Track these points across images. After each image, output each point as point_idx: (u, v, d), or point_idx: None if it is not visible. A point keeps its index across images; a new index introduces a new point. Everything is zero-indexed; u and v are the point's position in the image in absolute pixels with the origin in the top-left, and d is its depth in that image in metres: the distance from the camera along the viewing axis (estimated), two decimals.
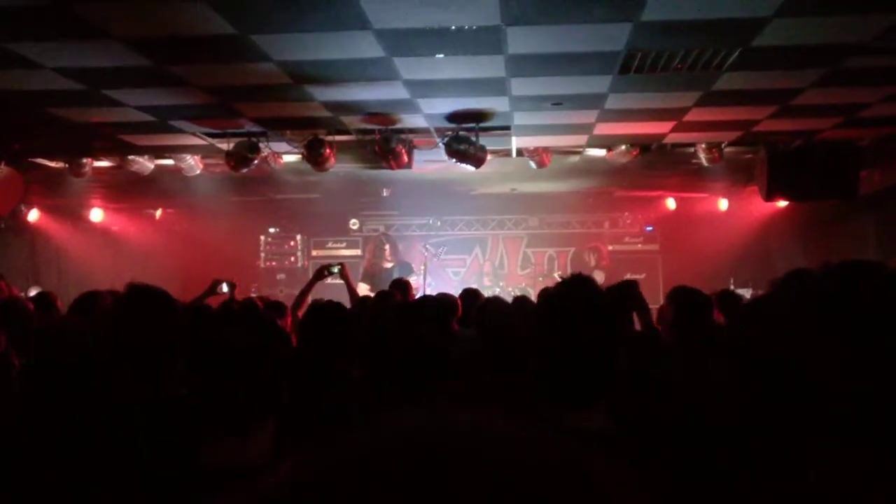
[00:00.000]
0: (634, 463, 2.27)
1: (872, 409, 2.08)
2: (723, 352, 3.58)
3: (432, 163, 9.83)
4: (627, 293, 5.37)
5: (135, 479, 2.37)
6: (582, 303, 2.56)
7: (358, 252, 15.35)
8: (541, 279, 15.29)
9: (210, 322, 2.97)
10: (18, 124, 8.30)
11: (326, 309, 4.60)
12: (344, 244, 15.95)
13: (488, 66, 6.48)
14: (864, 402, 2.10)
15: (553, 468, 0.77)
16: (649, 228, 15.75)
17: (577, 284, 2.68)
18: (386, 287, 8.62)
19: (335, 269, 7.34)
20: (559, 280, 2.84)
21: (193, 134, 8.85)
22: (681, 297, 5.07)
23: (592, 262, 15.34)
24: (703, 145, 9.63)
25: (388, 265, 12.51)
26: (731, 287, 10.36)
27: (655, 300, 11.14)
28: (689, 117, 8.28)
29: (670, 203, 14.55)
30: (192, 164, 10.03)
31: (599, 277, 14.93)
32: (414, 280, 10.51)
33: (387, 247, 12.80)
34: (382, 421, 0.82)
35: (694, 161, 10.22)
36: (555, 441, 0.81)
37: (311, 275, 7.60)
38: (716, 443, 2.52)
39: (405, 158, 8.94)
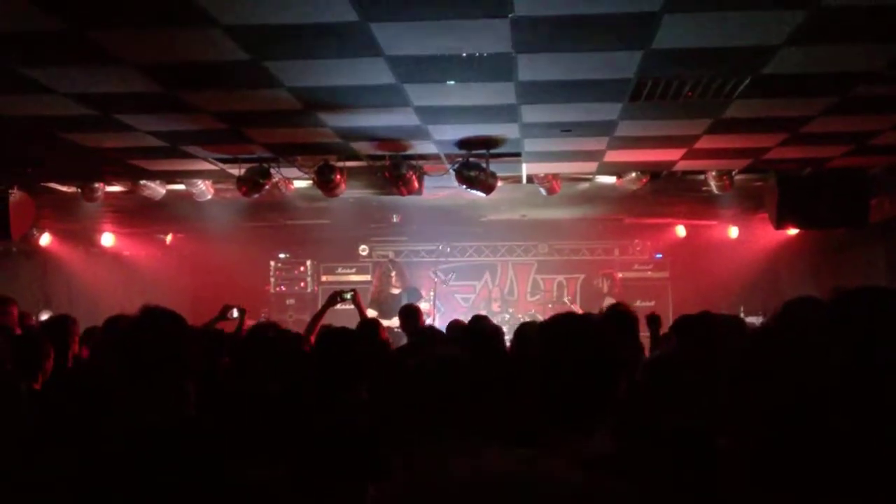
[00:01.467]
0: (638, 486, 2.27)
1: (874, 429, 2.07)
2: (728, 375, 3.57)
3: (442, 189, 9.84)
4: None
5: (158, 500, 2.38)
6: (582, 332, 2.56)
7: (368, 278, 15.36)
8: (550, 306, 15.26)
9: (246, 357, 2.96)
10: (31, 149, 8.35)
11: (336, 334, 4.62)
12: (354, 270, 15.96)
13: (499, 93, 6.50)
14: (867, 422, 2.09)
15: None
16: (659, 256, 15.73)
17: (575, 316, 2.69)
18: (394, 313, 8.62)
19: (348, 296, 7.36)
20: (568, 306, 2.85)
21: (205, 159, 8.89)
22: (682, 326, 5.13)
23: (605, 289, 15.20)
24: (714, 173, 9.63)
25: (396, 291, 12.51)
26: (741, 315, 10.34)
27: (664, 328, 11.11)
28: (699, 145, 8.28)
29: (680, 230, 14.53)
30: (203, 189, 10.07)
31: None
32: (424, 306, 10.52)
33: (393, 273, 12.81)
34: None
35: (704, 188, 10.21)
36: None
37: (320, 300, 7.61)
38: (718, 466, 2.51)
39: (415, 184, 8.96)
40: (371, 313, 10.57)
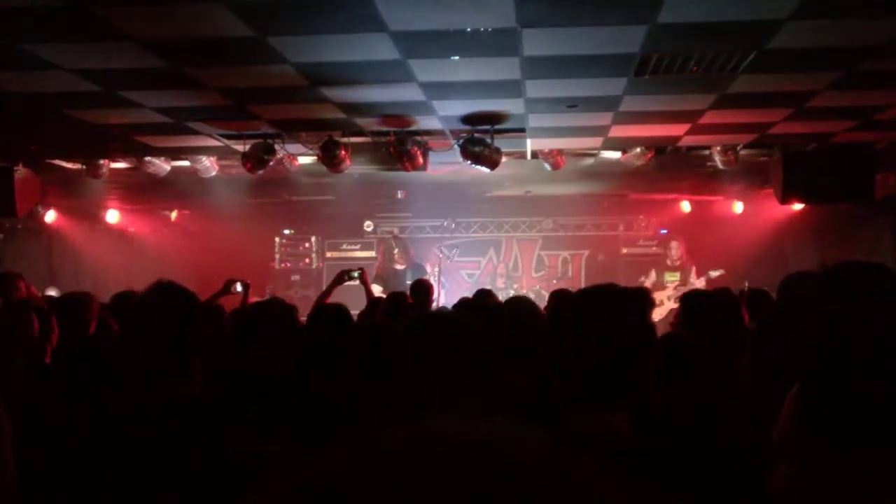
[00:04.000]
0: (648, 471, 2.28)
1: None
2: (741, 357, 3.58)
3: (447, 165, 9.85)
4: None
5: (165, 473, 2.41)
6: (607, 309, 2.56)
7: (372, 254, 15.36)
8: (555, 282, 15.23)
9: (244, 332, 3.00)
10: (36, 126, 8.36)
11: (329, 312, 4.67)
12: (358, 246, 15.95)
13: (503, 68, 6.49)
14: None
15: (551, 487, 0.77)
16: (664, 231, 15.68)
17: (601, 291, 2.69)
18: (398, 289, 8.63)
19: (355, 274, 7.38)
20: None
21: (209, 135, 8.89)
22: (690, 302, 5.08)
23: (674, 255, 13.19)
24: (719, 148, 9.61)
25: (400, 267, 12.53)
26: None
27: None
28: (704, 120, 8.26)
29: (685, 206, 14.48)
30: (208, 165, 10.08)
31: (694, 279, 12.52)
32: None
33: (396, 250, 12.81)
34: (388, 430, 0.82)
35: (709, 164, 10.20)
36: (563, 457, 0.81)
37: (325, 276, 7.63)
38: (725, 451, 2.52)
39: (420, 160, 8.96)
40: (376, 289, 10.60)
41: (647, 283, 11.42)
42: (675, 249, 12.71)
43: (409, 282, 10.20)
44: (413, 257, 13.68)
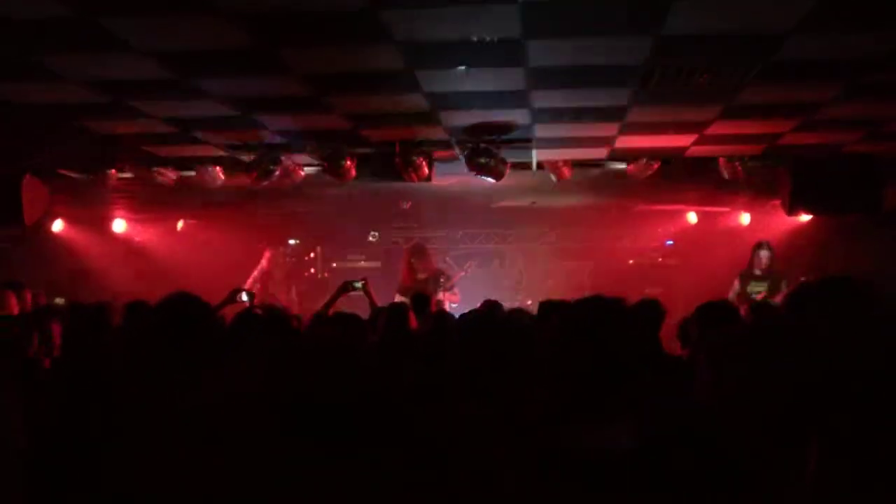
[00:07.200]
0: (654, 485, 2.26)
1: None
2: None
3: (452, 175, 9.84)
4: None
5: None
6: (611, 321, 2.55)
7: (377, 264, 15.33)
8: (561, 293, 15.13)
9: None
10: (45, 136, 8.38)
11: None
12: (363, 256, 15.93)
13: (509, 79, 6.49)
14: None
15: None
16: (670, 242, 15.64)
17: (605, 303, 2.67)
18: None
19: (358, 285, 7.40)
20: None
21: (216, 145, 8.90)
22: (706, 313, 5.05)
23: (764, 262, 11.01)
24: (725, 159, 9.59)
25: (423, 276, 12.49)
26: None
27: (675, 315, 11.01)
28: (710, 130, 8.25)
29: (692, 217, 14.44)
30: (214, 175, 10.08)
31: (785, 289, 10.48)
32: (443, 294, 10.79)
33: (413, 260, 12.79)
34: None
35: (716, 175, 10.16)
36: None
37: (330, 287, 7.64)
38: (726, 466, 2.50)
39: (425, 171, 8.95)
40: (399, 300, 10.62)
41: (732, 296, 10.37)
42: (766, 258, 10.89)
43: (436, 290, 10.38)
44: (434, 265, 13.60)
